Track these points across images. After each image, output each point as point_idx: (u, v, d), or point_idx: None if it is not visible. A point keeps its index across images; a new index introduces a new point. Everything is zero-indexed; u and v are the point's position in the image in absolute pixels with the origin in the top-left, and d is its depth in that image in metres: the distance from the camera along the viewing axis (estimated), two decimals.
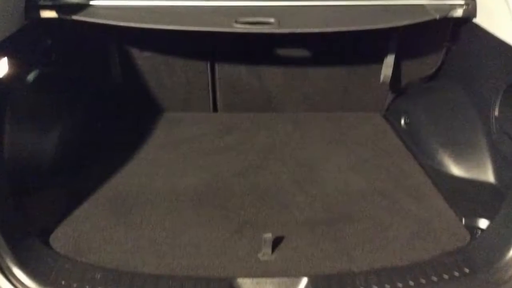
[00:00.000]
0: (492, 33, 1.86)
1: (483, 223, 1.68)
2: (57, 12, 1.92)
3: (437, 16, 1.96)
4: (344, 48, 2.34)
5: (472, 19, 2.01)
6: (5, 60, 1.64)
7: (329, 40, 2.22)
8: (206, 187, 1.89)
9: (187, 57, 2.34)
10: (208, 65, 2.36)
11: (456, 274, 1.45)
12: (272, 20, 1.91)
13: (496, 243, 1.49)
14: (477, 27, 1.97)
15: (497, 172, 1.84)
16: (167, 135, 2.29)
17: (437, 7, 2.00)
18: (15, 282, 1.39)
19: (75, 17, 1.91)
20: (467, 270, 1.46)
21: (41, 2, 1.90)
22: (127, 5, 2.02)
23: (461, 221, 1.71)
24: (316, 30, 1.93)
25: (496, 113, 1.80)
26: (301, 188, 1.90)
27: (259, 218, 1.72)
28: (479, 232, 1.66)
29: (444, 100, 2.16)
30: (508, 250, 1.45)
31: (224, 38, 2.17)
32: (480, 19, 1.97)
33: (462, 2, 2.00)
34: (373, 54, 2.32)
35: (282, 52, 2.36)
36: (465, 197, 1.81)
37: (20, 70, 1.79)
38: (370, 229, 1.67)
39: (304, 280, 1.45)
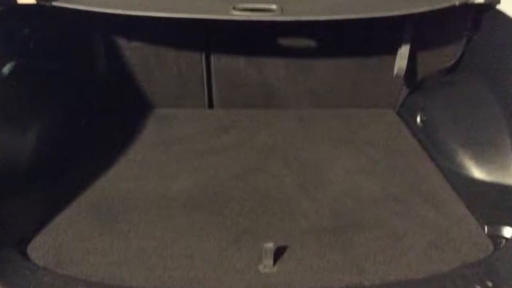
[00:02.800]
0: None
1: (507, 232, 1.68)
2: None
3: (457, 2, 1.97)
4: (354, 37, 2.34)
5: (495, 5, 2.01)
6: None
7: (337, 29, 2.22)
8: (200, 192, 1.89)
9: (180, 48, 2.34)
10: (203, 56, 2.36)
11: None
12: (274, 6, 1.92)
13: None
14: (501, 15, 1.97)
15: None
16: (158, 134, 2.29)
17: None
18: None
19: (55, 3, 1.91)
20: (490, 284, 1.45)
21: None
22: None
23: (483, 229, 1.71)
24: (323, 18, 1.93)
25: None
26: (306, 193, 1.90)
27: (260, 226, 1.72)
28: (503, 241, 1.66)
29: (464, 96, 2.16)
30: None
31: (220, 27, 2.17)
32: (505, 6, 1.97)
33: None
34: (386, 44, 2.32)
35: (285, 42, 2.36)
36: (488, 202, 1.81)
37: None
38: (382, 238, 1.67)
39: None
